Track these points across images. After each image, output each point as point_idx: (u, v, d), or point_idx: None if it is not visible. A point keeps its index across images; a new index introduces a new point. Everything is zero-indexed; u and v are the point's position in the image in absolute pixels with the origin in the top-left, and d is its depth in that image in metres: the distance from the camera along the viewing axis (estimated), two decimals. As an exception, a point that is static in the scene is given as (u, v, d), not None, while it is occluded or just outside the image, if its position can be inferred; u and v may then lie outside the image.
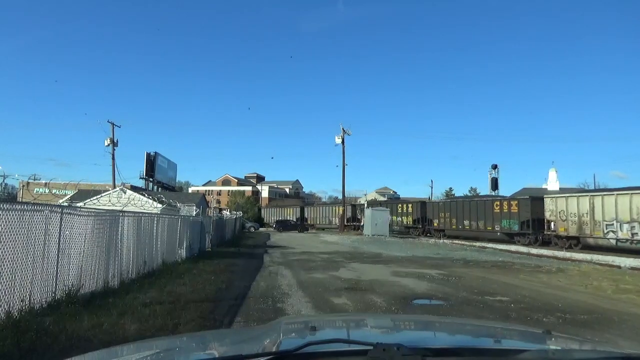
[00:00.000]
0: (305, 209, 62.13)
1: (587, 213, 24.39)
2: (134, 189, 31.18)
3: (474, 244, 29.64)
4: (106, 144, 38.41)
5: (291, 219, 57.88)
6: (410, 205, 42.38)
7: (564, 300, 9.36)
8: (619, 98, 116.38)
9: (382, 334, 2.22)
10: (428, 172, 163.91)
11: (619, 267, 16.91)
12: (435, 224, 37.70)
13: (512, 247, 26.30)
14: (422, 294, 9.96)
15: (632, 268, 16.35)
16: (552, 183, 60.26)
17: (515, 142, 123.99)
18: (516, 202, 30.35)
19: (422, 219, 39.65)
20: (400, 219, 42.74)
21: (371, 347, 1.28)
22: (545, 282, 12.50)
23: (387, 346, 1.27)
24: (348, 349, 1.39)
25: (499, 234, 30.83)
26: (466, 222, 34.01)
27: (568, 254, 21.67)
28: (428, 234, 38.49)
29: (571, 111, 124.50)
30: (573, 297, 9.90)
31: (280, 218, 59.25)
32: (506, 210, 30.41)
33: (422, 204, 41.08)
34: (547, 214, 26.99)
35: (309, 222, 57.12)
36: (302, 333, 1.96)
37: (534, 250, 24.11)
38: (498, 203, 31.62)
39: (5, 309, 5.52)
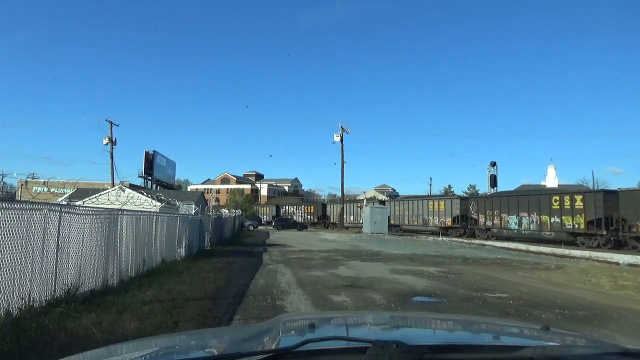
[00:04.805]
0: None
1: None
2: (133, 187, 31.10)
3: (473, 241, 29.64)
4: (104, 142, 38.36)
5: (289, 217, 57.81)
6: (579, 198, 25.74)
7: (562, 297, 9.40)
8: (617, 94, 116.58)
9: (381, 331, 2.23)
10: (426, 169, 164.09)
11: (617, 263, 16.97)
12: None
13: (511, 245, 26.25)
14: (421, 291, 9.98)
15: (630, 265, 16.42)
16: (551, 180, 60.42)
17: (513, 139, 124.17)
18: None
19: (606, 219, 23.88)
20: (556, 220, 26.82)
21: (370, 344, 1.28)
22: (544, 278, 12.54)
23: (386, 343, 1.27)
24: (347, 347, 1.39)
25: None
26: None
27: (567, 251, 21.70)
28: (622, 245, 23.32)
29: (569, 108, 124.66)
30: (571, 294, 9.94)
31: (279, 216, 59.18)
32: None
33: (608, 194, 25.06)
34: None
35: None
36: (301, 330, 1.96)
37: (532, 248, 24.13)
38: None
39: (4, 307, 5.52)
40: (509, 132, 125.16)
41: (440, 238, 32.89)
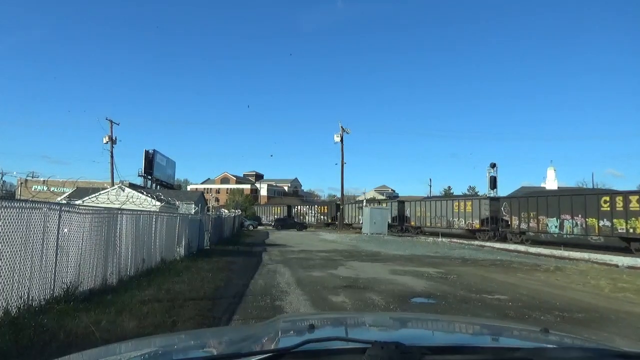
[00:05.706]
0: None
1: None
2: (133, 186, 31.08)
3: (472, 242, 29.66)
4: (105, 141, 38.35)
5: (292, 217, 57.82)
6: (634, 199, 22.65)
7: (561, 299, 9.40)
8: (616, 96, 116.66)
9: (381, 331, 2.22)
10: (426, 170, 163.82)
11: (616, 265, 16.97)
12: None
13: (511, 246, 26.26)
14: (421, 292, 9.97)
15: (630, 267, 16.42)
16: (551, 182, 60.29)
17: (513, 141, 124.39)
18: None
19: None
20: (606, 223, 23.62)
21: (369, 345, 1.28)
22: (543, 280, 12.54)
23: (386, 344, 1.27)
24: (346, 347, 1.39)
25: None
26: None
27: (566, 253, 21.70)
28: None
29: (569, 110, 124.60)
30: (570, 296, 9.94)
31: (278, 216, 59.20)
32: None
33: None
34: None
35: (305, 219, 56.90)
36: (300, 331, 1.96)
37: (532, 249, 24.14)
38: None
39: (3, 306, 5.51)
40: (509, 134, 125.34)
41: (440, 239, 32.74)
